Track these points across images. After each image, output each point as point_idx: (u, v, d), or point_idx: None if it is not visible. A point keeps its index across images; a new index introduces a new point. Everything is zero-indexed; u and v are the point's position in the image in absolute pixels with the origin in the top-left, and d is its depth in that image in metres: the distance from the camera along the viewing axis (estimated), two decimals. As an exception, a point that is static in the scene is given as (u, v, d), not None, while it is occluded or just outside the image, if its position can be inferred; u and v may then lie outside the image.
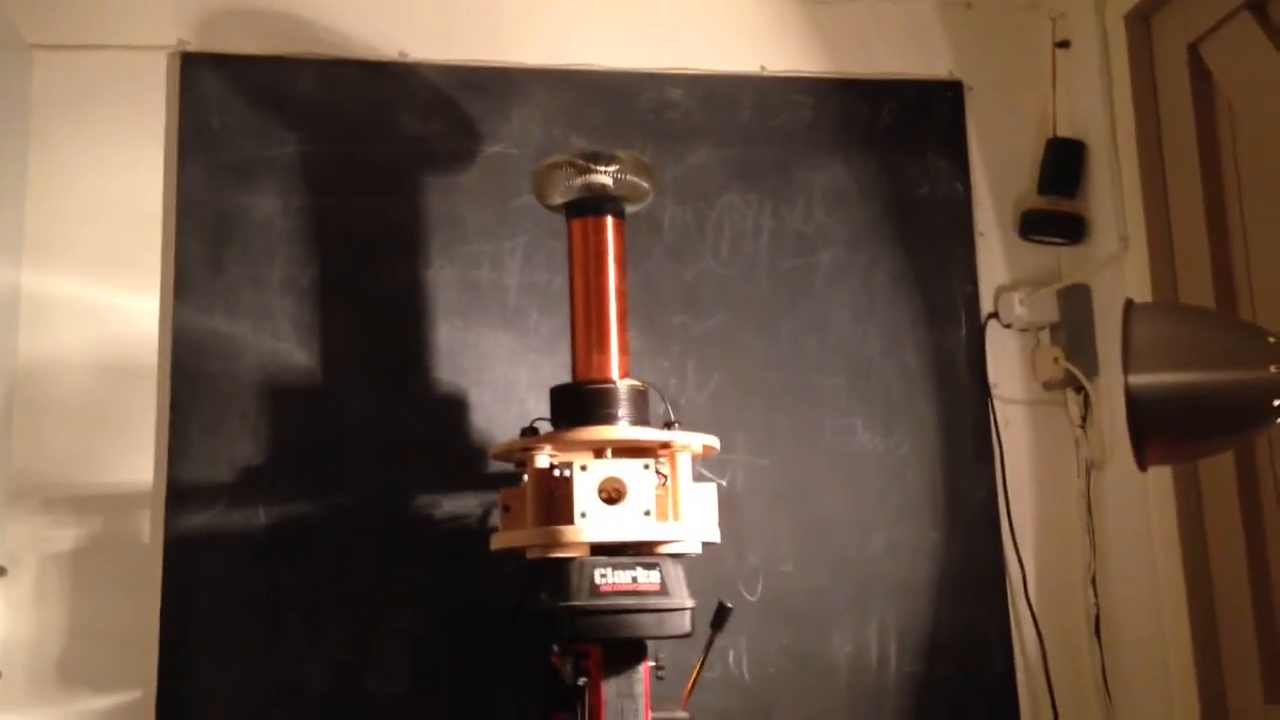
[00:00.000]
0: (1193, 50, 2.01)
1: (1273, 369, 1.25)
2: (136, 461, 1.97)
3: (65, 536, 1.94)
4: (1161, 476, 2.00)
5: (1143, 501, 2.06)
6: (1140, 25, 2.12)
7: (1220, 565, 1.94)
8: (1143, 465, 1.32)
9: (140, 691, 1.90)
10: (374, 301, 2.08)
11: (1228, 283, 1.95)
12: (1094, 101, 2.19)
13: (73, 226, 2.03)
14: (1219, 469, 1.93)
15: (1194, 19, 2.00)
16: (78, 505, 1.95)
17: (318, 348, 2.04)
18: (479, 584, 1.95)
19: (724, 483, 2.09)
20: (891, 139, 2.29)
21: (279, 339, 2.04)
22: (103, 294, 2.02)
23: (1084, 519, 2.20)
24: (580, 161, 1.81)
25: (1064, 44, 2.30)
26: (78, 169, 2.05)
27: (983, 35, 2.36)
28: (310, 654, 1.94)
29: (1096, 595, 2.16)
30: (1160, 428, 1.28)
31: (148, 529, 1.95)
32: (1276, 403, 1.24)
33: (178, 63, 2.09)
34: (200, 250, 2.04)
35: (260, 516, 1.97)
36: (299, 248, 2.07)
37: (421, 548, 2.00)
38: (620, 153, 1.84)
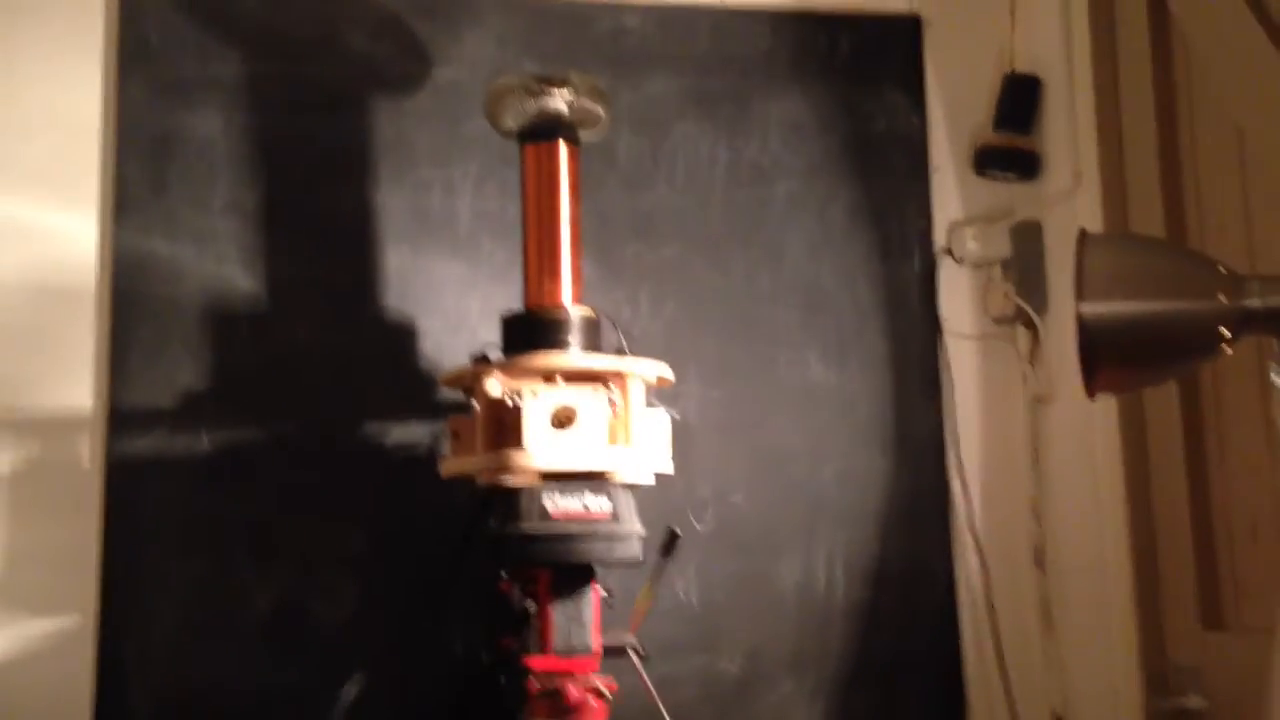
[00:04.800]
0: (1151, -15, 2.01)
1: (1221, 298, 1.26)
2: (76, 386, 1.92)
3: (2, 461, 1.89)
4: (1107, 411, 2.03)
5: (1087, 435, 2.09)
6: (1100, -41, 2.11)
7: (1161, 497, 1.97)
8: (1091, 393, 1.33)
9: (80, 616, 1.87)
10: (321, 226, 2.04)
11: (1179, 220, 1.96)
12: (1051, 36, 2.18)
13: (5, 144, 1.96)
14: (1163, 404, 1.95)
15: (1153, -47, 1.99)
16: (15, 429, 1.90)
17: (263, 272, 2.00)
18: (428, 512, 1.93)
19: (676, 415, 2.08)
20: (849, 72, 2.26)
21: (223, 262, 1.99)
22: (38, 214, 1.95)
23: (1029, 451, 2.23)
24: (533, 84, 1.78)
25: (1023, -23, 2.28)
26: (11, 85, 1.97)
27: (942, -32, 2.33)
28: (255, 580, 1.92)
29: (1040, 526, 2.20)
30: (1110, 356, 1.28)
31: (88, 454, 1.91)
32: (1224, 331, 1.26)
33: (115, -26, 2.02)
34: (140, 170, 1.98)
35: (204, 443, 1.93)
36: (243, 169, 2.02)
37: (370, 475, 1.98)
38: (574, 76, 1.80)
